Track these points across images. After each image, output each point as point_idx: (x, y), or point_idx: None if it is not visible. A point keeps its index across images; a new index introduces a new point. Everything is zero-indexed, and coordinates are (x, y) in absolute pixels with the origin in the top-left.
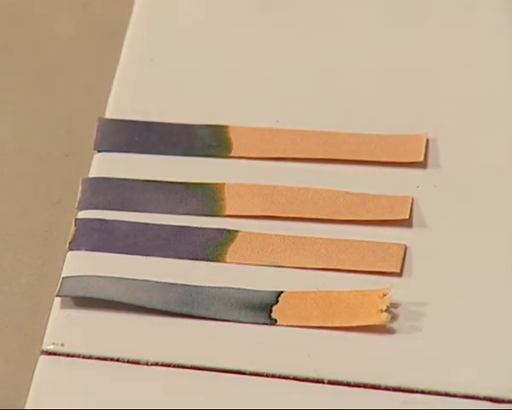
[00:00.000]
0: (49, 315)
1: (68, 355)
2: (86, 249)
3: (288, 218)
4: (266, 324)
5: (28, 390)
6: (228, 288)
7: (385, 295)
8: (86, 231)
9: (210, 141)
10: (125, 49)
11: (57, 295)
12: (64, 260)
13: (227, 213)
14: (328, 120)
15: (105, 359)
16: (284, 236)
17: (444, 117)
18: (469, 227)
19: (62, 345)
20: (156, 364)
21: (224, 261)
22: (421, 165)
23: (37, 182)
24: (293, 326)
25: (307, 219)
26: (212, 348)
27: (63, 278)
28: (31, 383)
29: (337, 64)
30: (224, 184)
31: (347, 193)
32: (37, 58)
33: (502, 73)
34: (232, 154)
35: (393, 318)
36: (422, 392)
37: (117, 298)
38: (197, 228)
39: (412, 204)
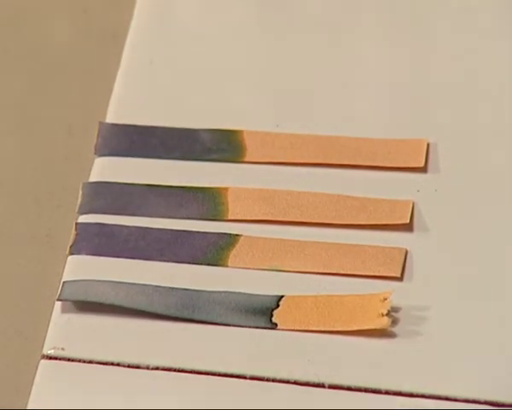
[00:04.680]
0: (49, 319)
1: (69, 360)
2: (87, 254)
3: (288, 222)
4: (267, 328)
5: (29, 395)
6: (228, 292)
7: (385, 299)
8: (87, 235)
9: (212, 145)
10: (125, 53)
11: (58, 300)
12: (64, 265)
13: (228, 217)
14: (328, 124)
15: (105, 363)
16: (285, 240)
17: (444, 121)
18: (470, 231)
19: (63, 349)
20: (157, 368)
21: (225, 266)
22: (422, 169)
23: (37, 186)
24: (293, 330)
25: (308, 224)
26: (213, 352)
27: (64, 282)
28: (31, 387)
29: (338, 68)
30: (227, 188)
31: (348, 197)
32: (38, 63)
33: (502, 77)
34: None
35: (394, 322)
36: (423, 396)
37: (117, 302)
38: (198, 232)
39: (413, 208)
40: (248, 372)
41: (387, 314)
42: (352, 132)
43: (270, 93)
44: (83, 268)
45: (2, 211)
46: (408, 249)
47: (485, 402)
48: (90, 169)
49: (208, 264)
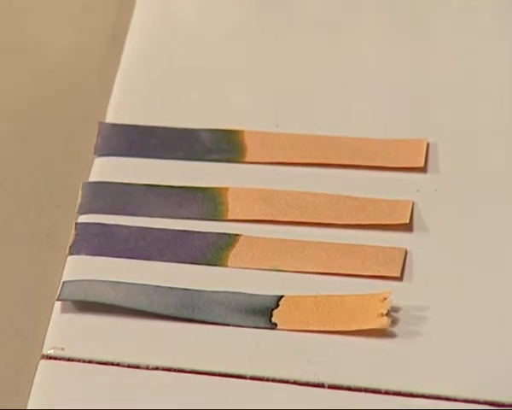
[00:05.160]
0: (49, 319)
1: (69, 360)
2: (86, 254)
3: (288, 222)
4: (267, 328)
5: (28, 394)
6: (228, 292)
7: (385, 299)
8: (86, 235)
9: (212, 145)
10: (125, 53)
11: (57, 300)
12: (64, 265)
13: (228, 217)
14: (328, 124)
15: (105, 363)
16: (285, 240)
17: (444, 121)
18: (469, 231)
19: (63, 349)
20: (156, 368)
21: (225, 265)
22: (422, 169)
23: (37, 186)
24: (293, 330)
25: (308, 224)
26: (213, 352)
27: (63, 282)
28: (31, 387)
29: (338, 68)
30: (227, 188)
31: (348, 197)
32: (38, 62)
33: (502, 77)
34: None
35: (394, 322)
36: (423, 396)
37: (117, 302)
38: (198, 232)
39: (412, 208)
40: (248, 372)
41: (387, 314)
42: (352, 132)
43: (270, 93)
44: (82, 268)
45: (2, 211)
46: (408, 249)
47: (485, 402)
48: (90, 169)
49: (208, 264)
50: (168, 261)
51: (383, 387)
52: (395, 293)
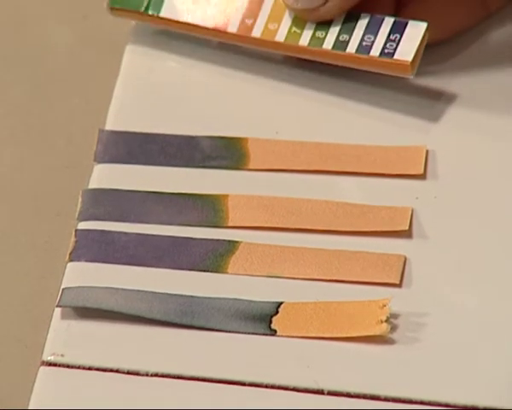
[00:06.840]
0: (49, 326)
1: (68, 366)
2: (86, 260)
3: (288, 229)
4: (266, 334)
5: (28, 401)
6: (228, 299)
7: (384, 305)
8: (86, 242)
9: (212, 152)
10: (125, 60)
11: (57, 306)
12: (64, 271)
13: (227, 224)
14: (328, 131)
15: (105, 369)
16: (284, 247)
17: (443, 128)
18: (469, 238)
19: (62, 356)
20: (156, 375)
21: (225, 272)
22: (421, 176)
23: (37, 193)
24: (292, 337)
25: (307, 230)
26: (212, 358)
27: (63, 288)
28: (31, 394)
29: (336, 73)
30: (227, 195)
31: (347, 204)
32: (37, 69)
33: (501, 84)
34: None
35: (393, 328)
36: (422, 402)
37: (117, 308)
38: (197, 239)
39: (412, 215)
40: (247, 379)
41: (386, 321)
42: (352, 139)
43: (270, 100)
44: (82, 275)
45: (1, 218)
46: (407, 256)
47: (485, 409)
48: (90, 176)
49: (208, 271)
50: (168, 268)
51: (382, 393)
52: (394, 300)
